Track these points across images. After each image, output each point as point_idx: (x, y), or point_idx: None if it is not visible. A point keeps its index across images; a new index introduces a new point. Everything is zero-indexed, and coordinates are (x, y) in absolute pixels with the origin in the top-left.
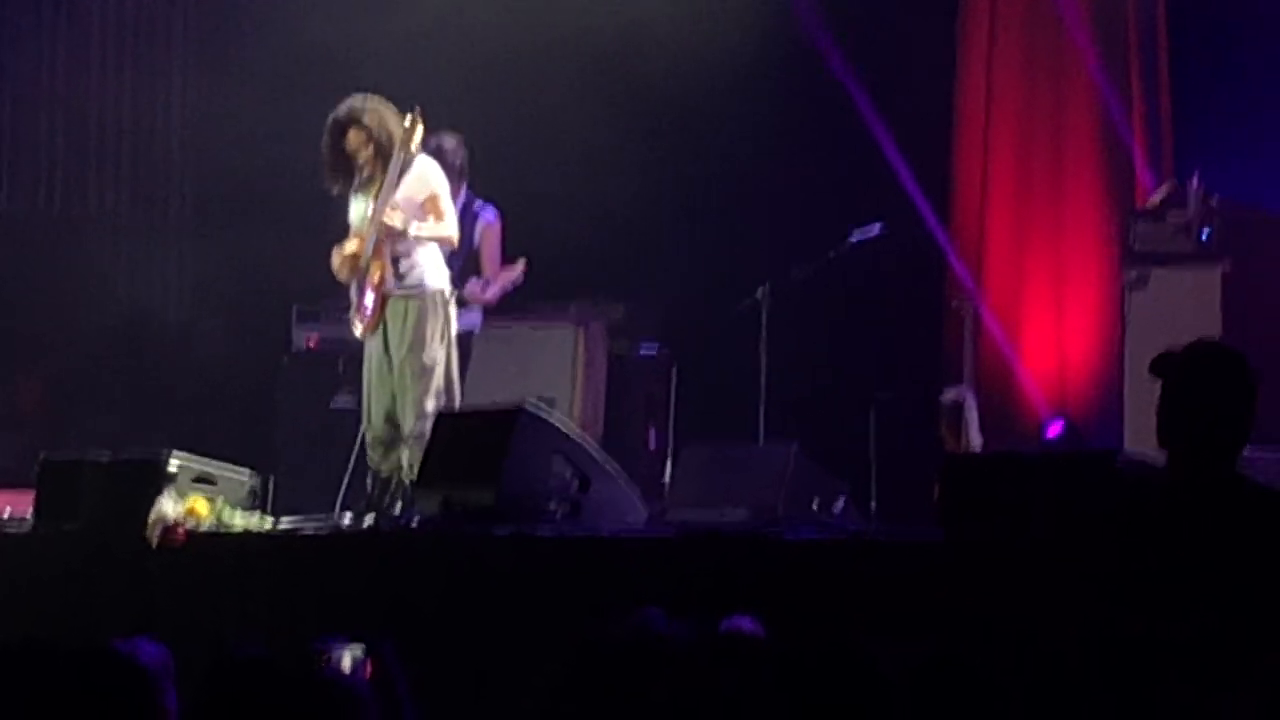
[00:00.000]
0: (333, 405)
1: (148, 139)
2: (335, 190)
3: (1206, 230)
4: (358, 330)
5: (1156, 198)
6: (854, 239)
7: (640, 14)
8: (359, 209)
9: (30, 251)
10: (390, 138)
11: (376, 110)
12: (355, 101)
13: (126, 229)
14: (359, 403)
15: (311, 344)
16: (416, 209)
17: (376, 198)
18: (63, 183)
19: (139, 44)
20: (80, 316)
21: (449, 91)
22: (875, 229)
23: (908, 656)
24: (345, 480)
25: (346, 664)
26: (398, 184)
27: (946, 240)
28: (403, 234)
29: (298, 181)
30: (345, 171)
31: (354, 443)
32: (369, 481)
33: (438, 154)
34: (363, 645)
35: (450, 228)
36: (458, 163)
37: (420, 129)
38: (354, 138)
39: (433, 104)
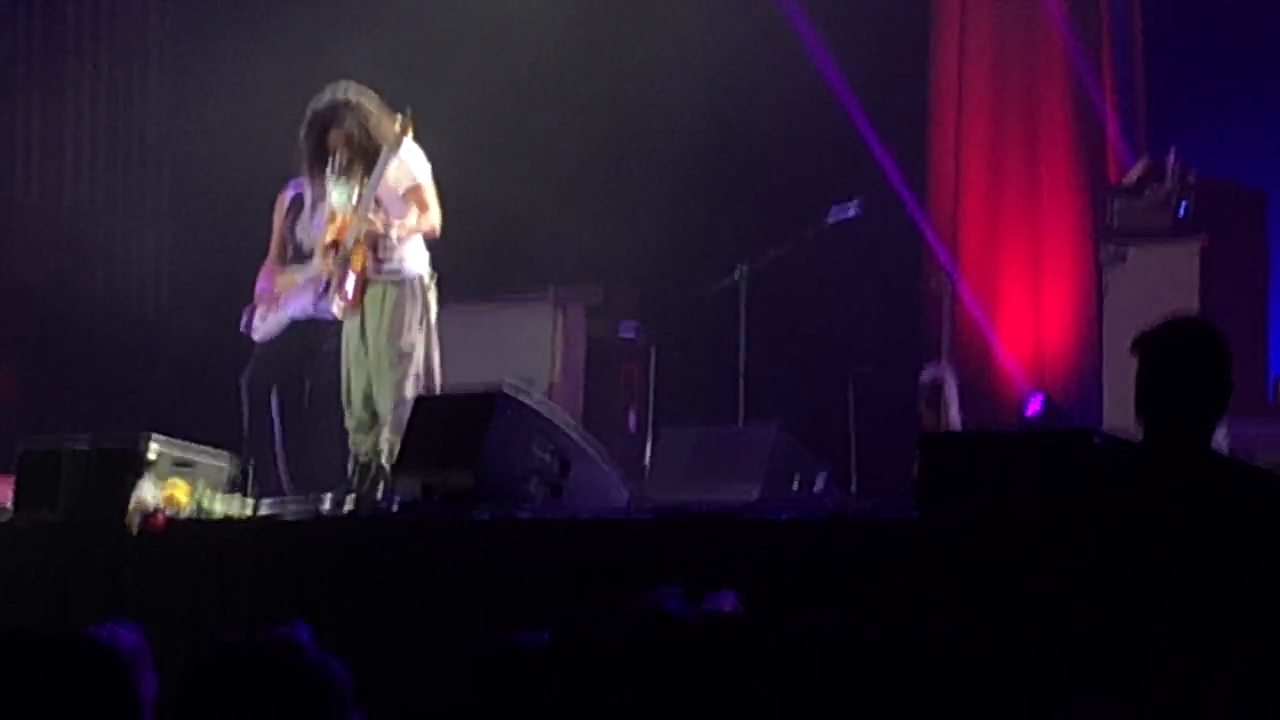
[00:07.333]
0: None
1: (124, 127)
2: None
3: (1184, 205)
4: (337, 310)
5: (1134, 174)
6: (831, 218)
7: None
8: (340, 196)
9: (6, 239)
10: (370, 138)
11: (361, 108)
12: (339, 95)
13: (103, 217)
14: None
15: None
16: (398, 200)
17: (358, 183)
18: (39, 171)
19: (115, 32)
20: (58, 305)
21: (429, 77)
22: (852, 208)
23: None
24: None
25: None
26: (382, 176)
27: (923, 219)
28: (384, 235)
29: (275, 170)
30: (323, 161)
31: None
32: (349, 465)
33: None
34: None
35: (432, 218)
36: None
37: (410, 133)
38: (334, 137)
39: (411, 88)
